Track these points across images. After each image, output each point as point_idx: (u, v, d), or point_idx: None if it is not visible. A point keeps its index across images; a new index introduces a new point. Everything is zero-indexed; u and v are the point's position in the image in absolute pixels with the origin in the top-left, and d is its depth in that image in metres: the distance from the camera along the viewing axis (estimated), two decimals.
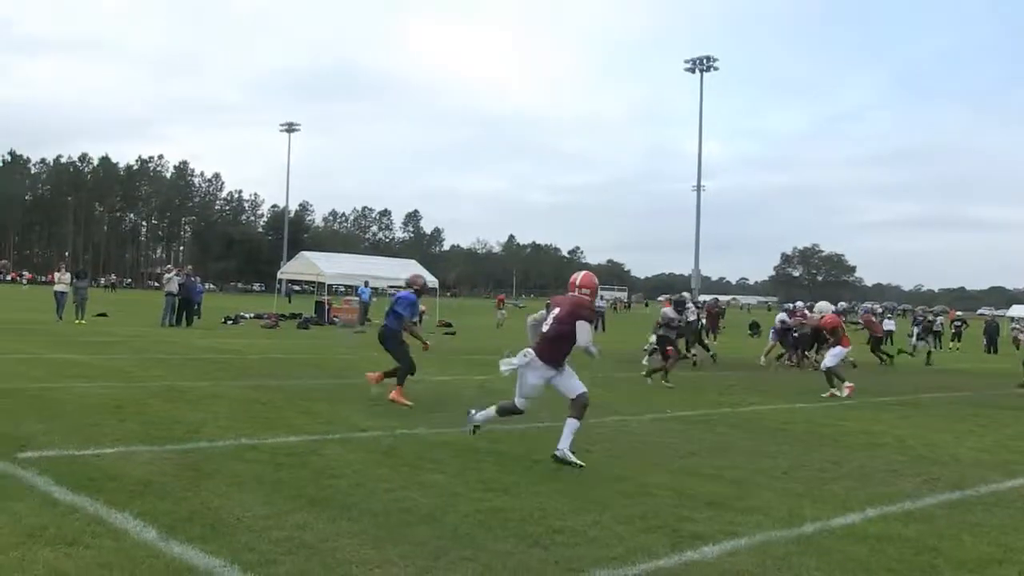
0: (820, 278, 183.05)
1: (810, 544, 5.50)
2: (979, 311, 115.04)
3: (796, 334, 22.27)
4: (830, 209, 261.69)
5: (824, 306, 17.01)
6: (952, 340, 43.68)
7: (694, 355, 21.66)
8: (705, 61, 78.78)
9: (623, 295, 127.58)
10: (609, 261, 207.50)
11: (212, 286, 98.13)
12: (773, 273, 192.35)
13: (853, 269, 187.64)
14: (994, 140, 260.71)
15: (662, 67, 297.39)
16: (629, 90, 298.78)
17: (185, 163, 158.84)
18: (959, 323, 46.15)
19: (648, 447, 9.01)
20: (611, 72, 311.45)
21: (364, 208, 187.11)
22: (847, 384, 14.79)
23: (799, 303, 26.22)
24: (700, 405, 12.98)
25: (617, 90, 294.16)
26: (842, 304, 28.67)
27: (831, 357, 15.20)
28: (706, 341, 23.89)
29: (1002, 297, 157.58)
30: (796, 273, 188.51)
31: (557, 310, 7.94)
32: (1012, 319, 51.10)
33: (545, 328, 7.94)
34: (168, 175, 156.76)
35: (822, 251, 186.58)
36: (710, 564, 5.03)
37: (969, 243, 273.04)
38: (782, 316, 23.51)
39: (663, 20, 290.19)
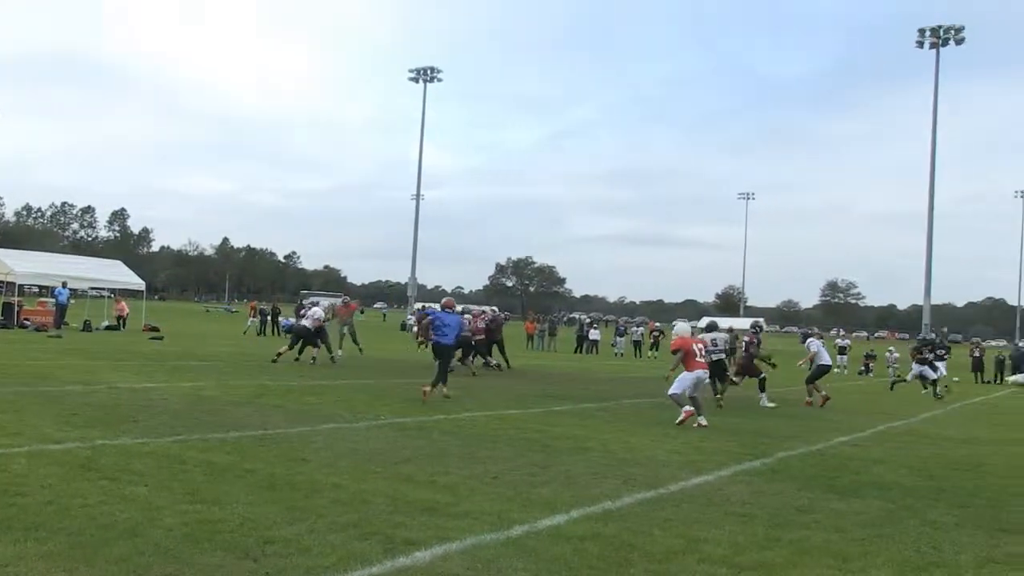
0: (532, 288, 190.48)
1: (518, 546, 5.71)
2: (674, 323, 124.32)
3: (475, 340, 23.73)
4: (550, 222, 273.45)
5: (680, 328, 15.63)
6: (651, 349, 47.66)
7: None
8: (429, 72, 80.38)
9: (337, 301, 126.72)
10: (326, 267, 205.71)
11: None
12: (488, 283, 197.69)
13: (563, 280, 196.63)
14: (697, 166, 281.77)
15: (399, 76, 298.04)
16: (364, 96, 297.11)
17: None
18: (657, 333, 50.48)
19: (364, 454, 8.98)
20: (346, 77, 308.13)
21: (64, 204, 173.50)
22: (685, 409, 13.64)
23: (485, 308, 27.58)
24: (416, 412, 13.11)
25: (351, 96, 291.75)
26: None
27: (675, 383, 14.11)
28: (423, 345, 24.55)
29: (695, 310, 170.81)
30: (510, 283, 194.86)
31: None
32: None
33: None
34: None
35: (535, 263, 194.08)
36: (422, 569, 5.10)
37: (668, 259, 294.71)
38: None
39: (406, 31, 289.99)
